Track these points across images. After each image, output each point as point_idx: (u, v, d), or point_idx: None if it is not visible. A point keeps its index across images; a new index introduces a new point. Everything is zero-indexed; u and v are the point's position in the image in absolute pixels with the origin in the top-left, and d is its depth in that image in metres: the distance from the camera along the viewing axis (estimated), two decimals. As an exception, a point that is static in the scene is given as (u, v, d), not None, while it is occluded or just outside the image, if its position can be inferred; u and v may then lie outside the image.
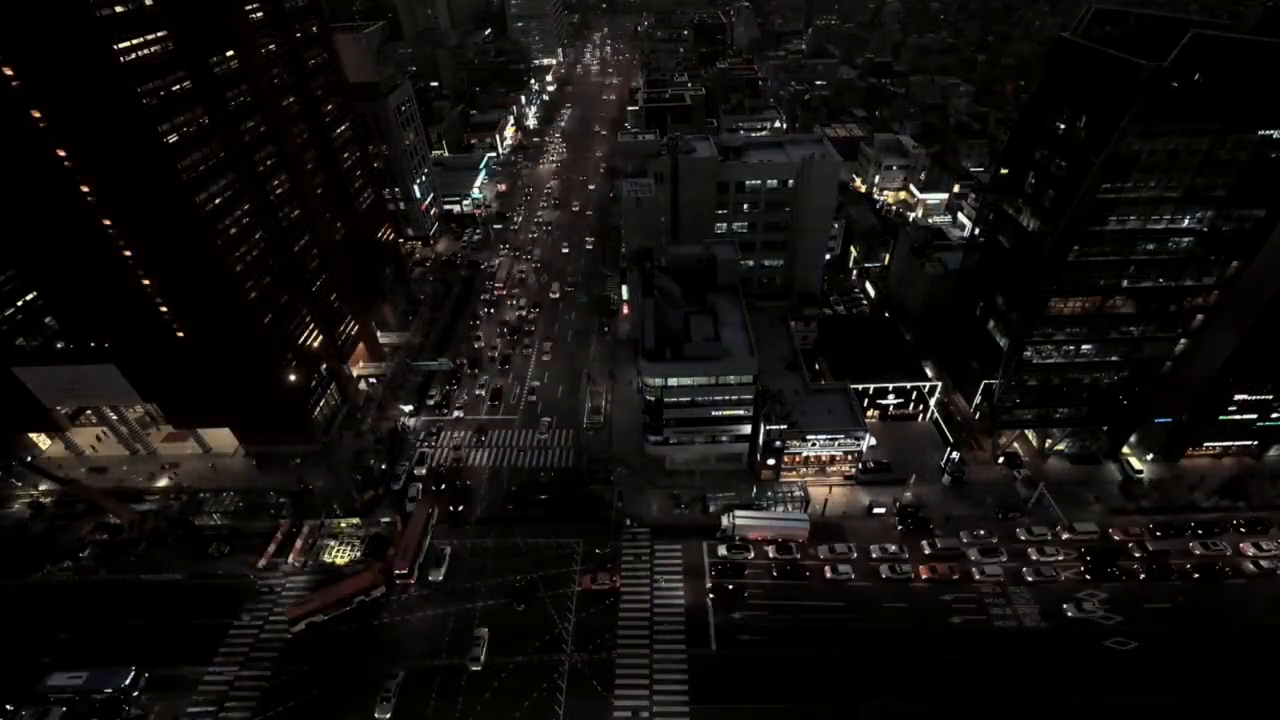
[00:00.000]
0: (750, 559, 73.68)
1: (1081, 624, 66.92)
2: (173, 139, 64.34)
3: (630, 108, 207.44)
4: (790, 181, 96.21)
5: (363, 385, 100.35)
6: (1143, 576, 71.22)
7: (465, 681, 62.57)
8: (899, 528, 76.94)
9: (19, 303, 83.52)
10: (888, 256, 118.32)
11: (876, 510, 78.85)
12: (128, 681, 61.83)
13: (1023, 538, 75.48)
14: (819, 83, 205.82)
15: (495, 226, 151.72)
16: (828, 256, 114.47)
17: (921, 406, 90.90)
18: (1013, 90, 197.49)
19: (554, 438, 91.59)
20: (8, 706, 60.93)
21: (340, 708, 60.86)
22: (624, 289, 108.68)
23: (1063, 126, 70.32)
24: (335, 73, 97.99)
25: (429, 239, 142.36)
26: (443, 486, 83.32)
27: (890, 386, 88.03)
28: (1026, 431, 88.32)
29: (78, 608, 70.11)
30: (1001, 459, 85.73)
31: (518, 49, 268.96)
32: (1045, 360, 78.54)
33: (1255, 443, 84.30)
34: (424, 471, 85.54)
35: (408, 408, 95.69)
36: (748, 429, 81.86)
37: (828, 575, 71.76)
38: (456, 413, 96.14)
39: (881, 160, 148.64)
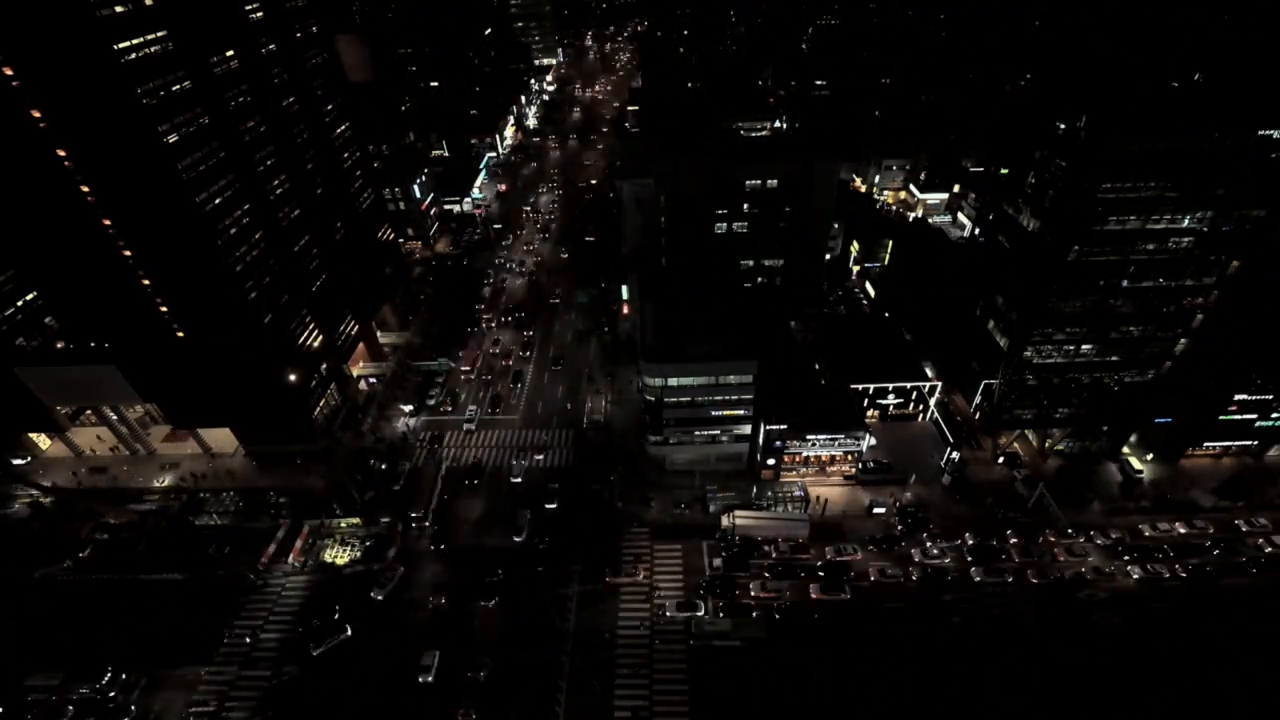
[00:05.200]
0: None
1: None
2: (173, 139, 64.32)
3: (630, 107, 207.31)
4: (790, 181, 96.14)
5: (363, 385, 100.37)
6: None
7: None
8: (899, 528, 76.96)
9: (19, 303, 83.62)
10: (887, 256, 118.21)
11: (876, 510, 78.85)
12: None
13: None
14: (819, 82, 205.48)
15: (495, 226, 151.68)
16: (828, 256, 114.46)
17: (921, 406, 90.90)
18: (1011, 90, 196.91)
19: (554, 438, 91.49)
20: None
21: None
22: (624, 289, 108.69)
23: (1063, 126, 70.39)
24: (335, 73, 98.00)
25: (429, 239, 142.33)
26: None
27: (890, 386, 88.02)
28: (1026, 431, 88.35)
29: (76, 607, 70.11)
30: (1001, 459, 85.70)
31: (518, 49, 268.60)
32: (1045, 360, 78.55)
33: (1255, 443, 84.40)
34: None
35: (408, 408, 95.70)
36: (748, 429, 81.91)
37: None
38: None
39: (881, 160, 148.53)
